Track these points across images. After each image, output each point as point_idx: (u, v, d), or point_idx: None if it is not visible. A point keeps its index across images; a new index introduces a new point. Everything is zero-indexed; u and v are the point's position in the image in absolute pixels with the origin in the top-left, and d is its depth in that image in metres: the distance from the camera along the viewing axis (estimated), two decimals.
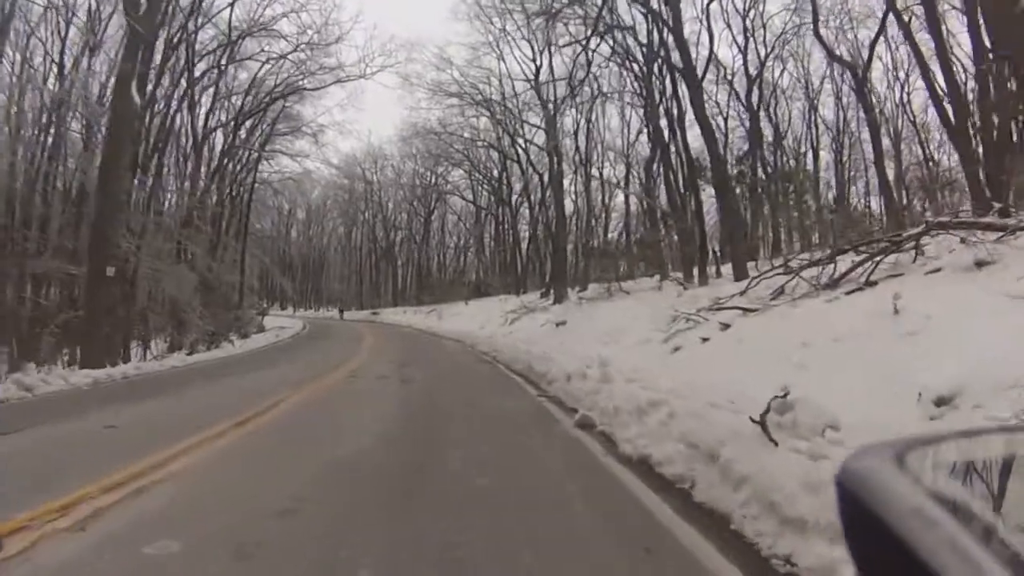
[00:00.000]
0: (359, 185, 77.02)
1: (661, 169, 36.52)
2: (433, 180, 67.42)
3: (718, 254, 31.11)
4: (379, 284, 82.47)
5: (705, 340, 12.71)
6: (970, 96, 20.96)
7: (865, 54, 32.45)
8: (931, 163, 31.25)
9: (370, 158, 73.42)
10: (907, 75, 37.61)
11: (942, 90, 19.95)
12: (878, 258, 12.39)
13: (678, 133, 32.24)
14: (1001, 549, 0.74)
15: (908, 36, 22.65)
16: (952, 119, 18.78)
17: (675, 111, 31.61)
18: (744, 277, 21.61)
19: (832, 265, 13.53)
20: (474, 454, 7.54)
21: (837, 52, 32.79)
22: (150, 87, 31.41)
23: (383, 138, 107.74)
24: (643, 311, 18.96)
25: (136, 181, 29.59)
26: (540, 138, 43.82)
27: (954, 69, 20.56)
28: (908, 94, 38.64)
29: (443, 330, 37.67)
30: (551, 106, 39.10)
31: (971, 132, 17.88)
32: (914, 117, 38.19)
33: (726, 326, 12.76)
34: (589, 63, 35.48)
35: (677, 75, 28.01)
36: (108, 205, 21.15)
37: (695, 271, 26.62)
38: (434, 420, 10.04)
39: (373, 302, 77.13)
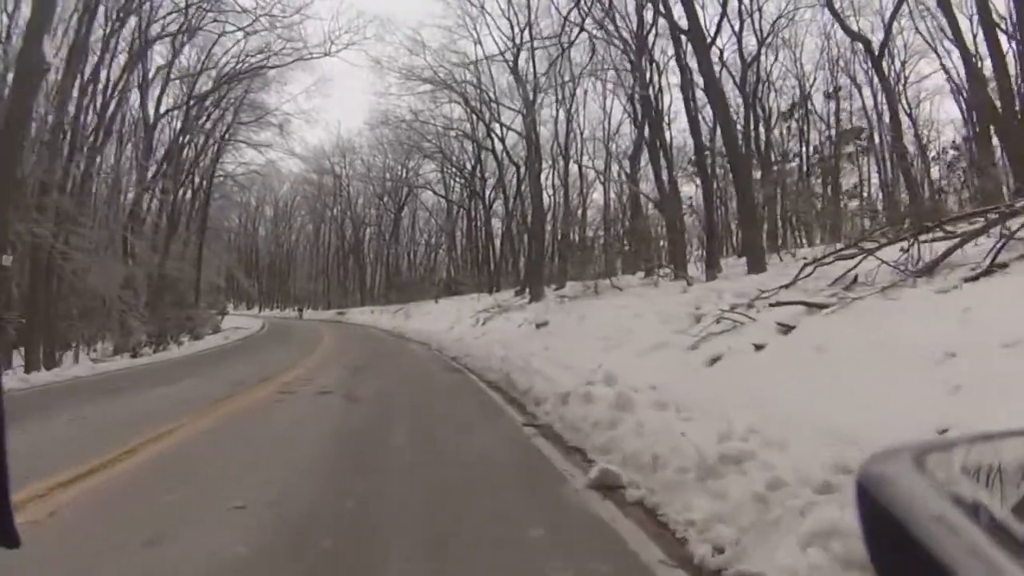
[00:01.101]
0: (328, 180, 72.99)
1: (648, 155, 33.19)
2: (404, 174, 63.58)
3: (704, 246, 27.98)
4: (347, 283, 78.31)
5: (759, 347, 8.95)
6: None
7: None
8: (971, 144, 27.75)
9: (339, 151, 69.49)
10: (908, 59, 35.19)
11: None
12: (1003, 232, 8.67)
13: (667, 116, 28.97)
14: None
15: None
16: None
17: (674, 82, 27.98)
18: (761, 270, 18.19)
19: (915, 247, 9.82)
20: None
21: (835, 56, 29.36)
22: (94, 60, 27.83)
23: (352, 130, 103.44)
24: (647, 309, 15.30)
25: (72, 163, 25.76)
26: (517, 126, 40.42)
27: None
28: (905, 78, 36.10)
29: (410, 331, 33.80)
30: (530, 87, 35.39)
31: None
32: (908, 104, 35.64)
33: (787, 328, 9.03)
34: (571, 42, 31.91)
35: (681, 39, 24.19)
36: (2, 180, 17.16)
37: (694, 265, 23.07)
38: (371, 478, 6.25)
39: (341, 302, 73.08)
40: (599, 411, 7.69)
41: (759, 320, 9.83)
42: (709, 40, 22.50)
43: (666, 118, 33.00)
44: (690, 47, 23.32)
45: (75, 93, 26.82)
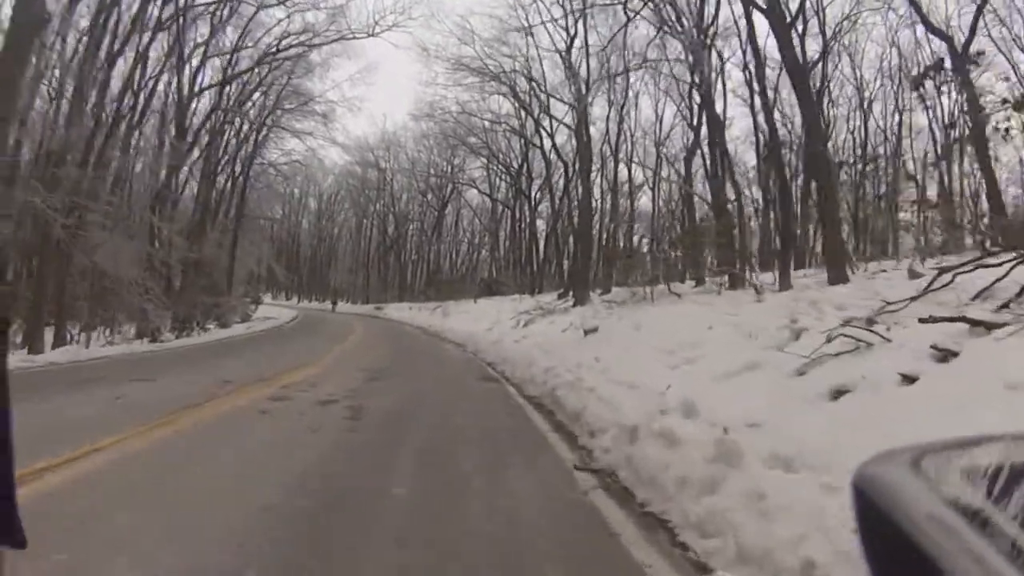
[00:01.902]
0: (372, 174, 70.86)
1: (705, 153, 30.60)
2: (449, 170, 61.33)
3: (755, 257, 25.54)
4: (387, 278, 76.10)
5: (909, 379, 6.36)
6: None
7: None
8: None
9: (383, 144, 67.43)
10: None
11: None
12: None
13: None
14: (1019, 557, 0.67)
15: None
16: None
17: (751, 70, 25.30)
18: (843, 279, 15.58)
19: None
20: None
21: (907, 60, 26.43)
22: (123, 29, 25.89)
23: (397, 123, 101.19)
24: (719, 320, 12.78)
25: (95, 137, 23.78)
26: (568, 122, 38.08)
27: None
28: None
29: (446, 330, 31.40)
30: (581, 81, 32.95)
31: None
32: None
33: (946, 353, 6.43)
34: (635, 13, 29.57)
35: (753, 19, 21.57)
36: None
37: (753, 273, 20.43)
38: None
39: (380, 296, 70.93)
40: (688, 461, 5.31)
41: (897, 341, 7.24)
42: (789, 20, 19.60)
43: (725, 120, 30.34)
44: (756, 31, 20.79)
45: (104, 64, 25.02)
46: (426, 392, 11.61)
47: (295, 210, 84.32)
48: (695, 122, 33.62)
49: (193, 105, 34.38)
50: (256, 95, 41.04)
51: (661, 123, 42.77)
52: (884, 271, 18.50)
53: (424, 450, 7.03)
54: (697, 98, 31.97)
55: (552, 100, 38.85)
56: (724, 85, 33.39)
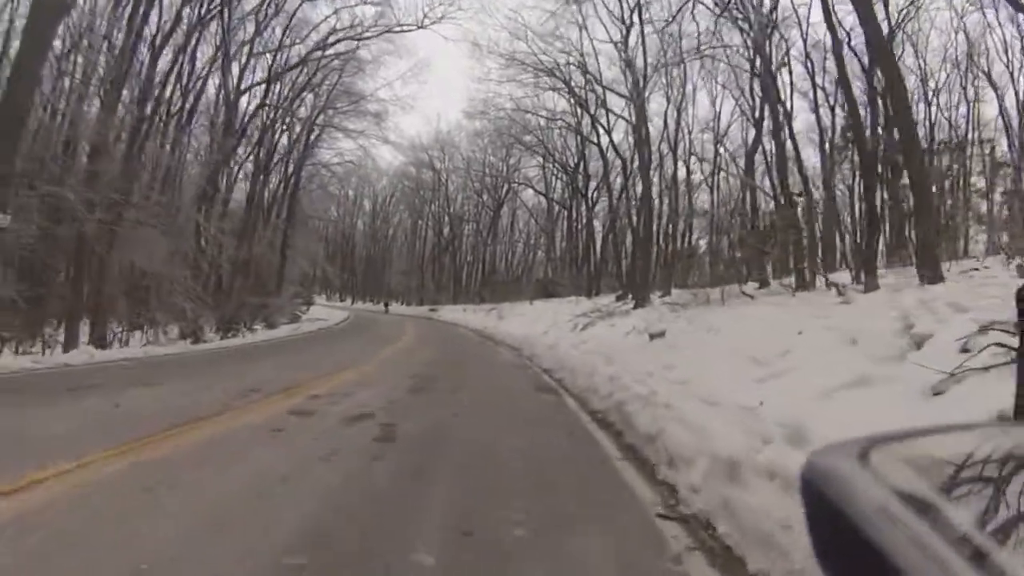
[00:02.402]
0: (426, 175, 69.90)
1: (770, 147, 28.92)
2: (504, 170, 60.08)
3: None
4: (442, 280, 75.09)
5: None
6: None
7: None
8: None
9: (437, 144, 66.43)
10: None
11: None
12: None
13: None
14: (965, 546, 0.69)
15: None
16: None
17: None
18: (938, 278, 13.77)
19: None
20: None
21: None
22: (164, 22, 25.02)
23: (451, 122, 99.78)
24: (809, 324, 11.17)
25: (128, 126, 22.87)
26: (625, 116, 36.59)
27: None
28: None
29: (501, 333, 30.02)
30: (639, 73, 31.35)
31: None
32: None
33: None
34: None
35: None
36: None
37: (823, 274, 18.62)
38: None
39: (435, 298, 69.83)
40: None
41: None
42: None
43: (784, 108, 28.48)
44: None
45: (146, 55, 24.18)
46: (475, 406, 10.17)
47: (350, 212, 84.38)
48: (756, 115, 31.95)
49: (243, 104, 33.77)
50: (307, 95, 40.46)
51: (719, 119, 41.66)
52: (976, 269, 16.65)
53: (467, 490, 5.53)
54: (759, 90, 30.32)
55: (609, 95, 37.40)
56: (791, 73, 31.63)
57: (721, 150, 41.65)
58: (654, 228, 38.87)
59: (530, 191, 61.71)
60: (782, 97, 27.83)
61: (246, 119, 34.12)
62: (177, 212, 26.04)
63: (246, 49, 32.28)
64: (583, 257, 51.53)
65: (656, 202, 40.28)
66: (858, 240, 27.52)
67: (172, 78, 27.59)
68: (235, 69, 31.91)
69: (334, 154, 49.53)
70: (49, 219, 17.09)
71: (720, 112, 41.61)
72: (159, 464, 5.68)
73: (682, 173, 42.18)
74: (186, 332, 23.48)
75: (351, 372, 13.41)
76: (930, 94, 33.78)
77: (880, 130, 23.43)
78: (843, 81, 20.57)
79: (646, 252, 31.39)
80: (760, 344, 10.98)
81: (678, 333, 15.56)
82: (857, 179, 30.02)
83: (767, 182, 31.20)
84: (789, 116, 27.51)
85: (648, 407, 7.93)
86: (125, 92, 22.50)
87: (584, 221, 51.13)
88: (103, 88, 22.02)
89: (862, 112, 22.01)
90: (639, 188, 32.20)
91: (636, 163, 33.70)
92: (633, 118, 32.36)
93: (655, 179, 39.71)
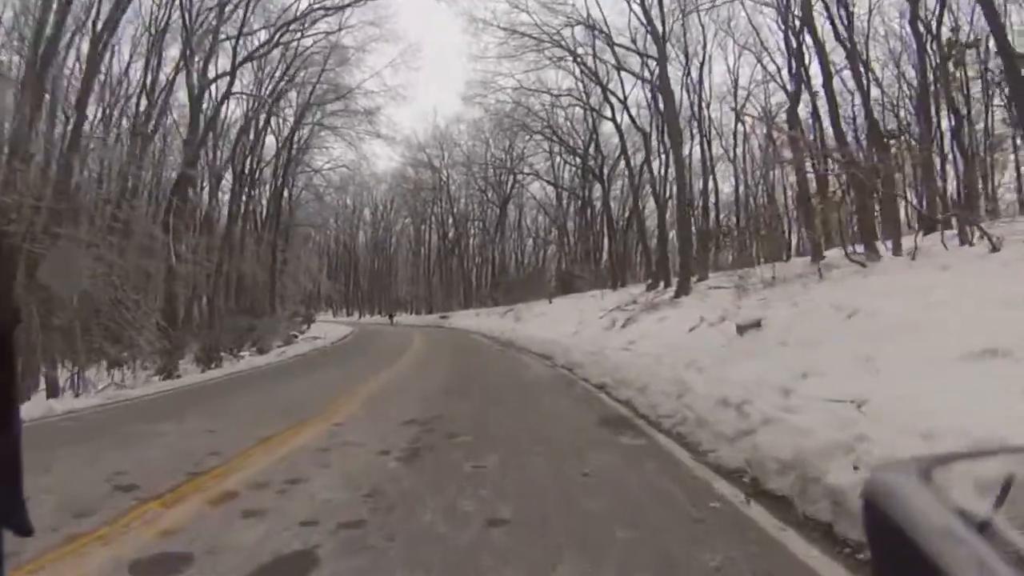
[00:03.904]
0: (425, 175, 65.29)
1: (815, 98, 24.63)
2: (508, 162, 55.42)
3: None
4: (450, 285, 70.37)
5: None
6: None
7: None
8: None
9: (435, 141, 61.80)
10: None
11: None
12: None
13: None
14: None
15: None
16: None
17: None
18: None
19: None
20: None
21: None
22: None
23: (448, 117, 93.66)
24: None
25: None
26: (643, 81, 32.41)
27: None
28: None
29: (522, 337, 25.43)
30: (656, 22, 26.94)
31: None
32: None
33: None
34: None
35: None
36: None
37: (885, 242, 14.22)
38: None
39: (445, 304, 65.31)
40: None
41: None
42: None
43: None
44: None
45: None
46: (520, 485, 5.50)
47: (350, 222, 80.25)
48: (793, 69, 27.46)
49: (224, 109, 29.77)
50: (288, 89, 36.78)
51: (737, 86, 38.36)
52: None
53: None
54: (793, 41, 26.03)
55: (622, 61, 33.12)
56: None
57: (747, 119, 37.39)
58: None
59: (536, 184, 57.37)
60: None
61: (219, 116, 29.85)
62: (129, 227, 21.63)
63: (216, 40, 28.12)
64: (600, 245, 47.68)
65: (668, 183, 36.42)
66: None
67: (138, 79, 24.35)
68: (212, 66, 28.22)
69: (326, 161, 46.47)
70: None
71: (738, 79, 38.55)
72: None
73: (698, 153, 38.05)
74: (163, 367, 19.36)
75: (317, 426, 8.70)
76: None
77: None
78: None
79: (685, 229, 26.80)
80: (966, 331, 6.57)
81: (781, 322, 11.05)
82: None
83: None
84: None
85: (824, 457, 3.58)
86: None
87: (600, 206, 46.72)
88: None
89: None
90: (673, 157, 27.70)
91: (665, 130, 29.41)
92: (655, 77, 27.89)
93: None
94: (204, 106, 28.14)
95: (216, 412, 10.51)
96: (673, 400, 8.04)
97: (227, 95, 29.54)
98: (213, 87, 28.93)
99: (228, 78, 29.17)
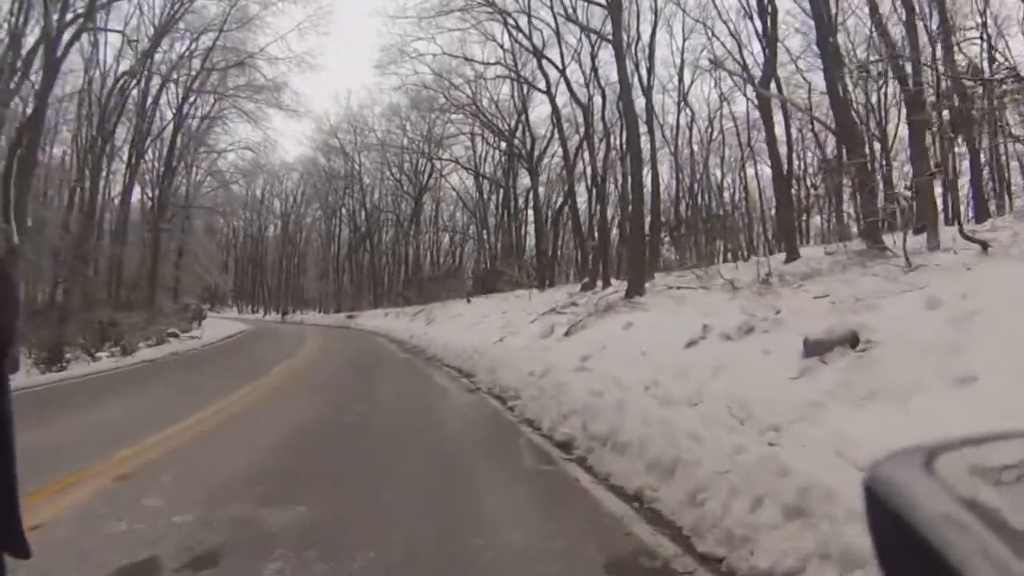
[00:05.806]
0: (337, 163, 59.40)
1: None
2: (427, 148, 49.69)
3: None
4: (360, 281, 64.30)
5: None
6: None
7: None
8: None
9: (348, 127, 55.92)
10: None
11: None
12: None
13: None
14: None
15: None
16: None
17: None
18: None
19: None
20: None
21: None
22: None
23: (363, 100, 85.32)
24: None
25: None
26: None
27: None
28: None
29: (435, 344, 20.01)
30: None
31: None
32: None
33: None
34: None
35: None
36: None
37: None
38: None
39: (354, 302, 59.55)
40: None
41: None
42: None
43: None
44: None
45: None
46: None
47: (260, 214, 74.82)
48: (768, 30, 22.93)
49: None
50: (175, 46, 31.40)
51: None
52: None
53: None
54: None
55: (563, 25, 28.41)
56: None
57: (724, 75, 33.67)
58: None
59: (456, 177, 52.44)
60: None
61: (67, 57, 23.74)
62: None
63: None
64: (524, 242, 43.50)
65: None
66: None
67: None
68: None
69: (230, 142, 42.10)
70: None
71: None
72: None
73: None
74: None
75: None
76: None
77: None
78: None
79: (638, 223, 21.64)
80: None
81: (914, 335, 5.89)
82: None
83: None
84: None
85: None
86: None
87: (530, 195, 42.02)
88: None
89: None
90: (627, 130, 22.96)
91: (618, 94, 24.67)
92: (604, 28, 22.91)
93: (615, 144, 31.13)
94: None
95: None
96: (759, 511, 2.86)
97: (81, 30, 23.42)
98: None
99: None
